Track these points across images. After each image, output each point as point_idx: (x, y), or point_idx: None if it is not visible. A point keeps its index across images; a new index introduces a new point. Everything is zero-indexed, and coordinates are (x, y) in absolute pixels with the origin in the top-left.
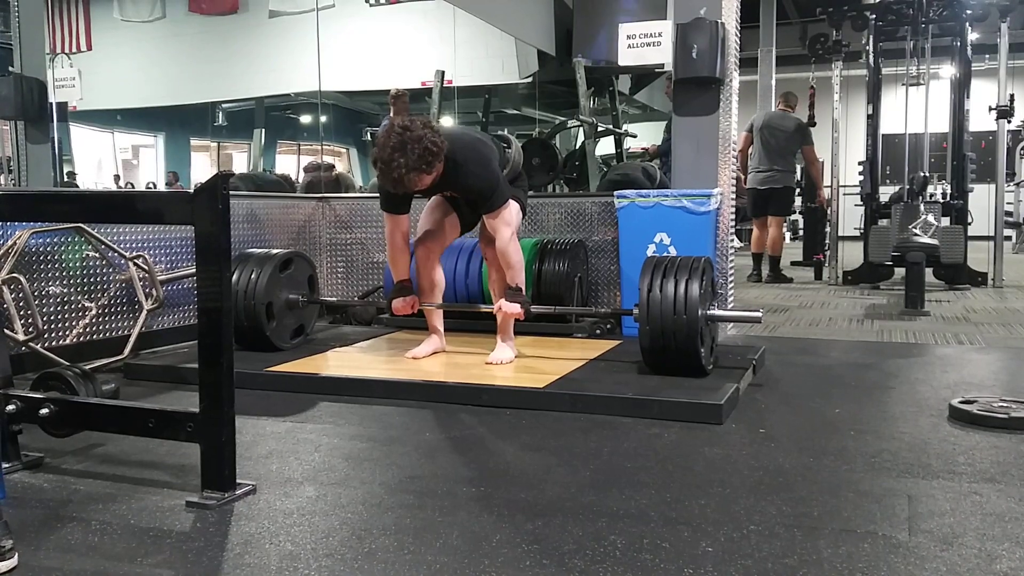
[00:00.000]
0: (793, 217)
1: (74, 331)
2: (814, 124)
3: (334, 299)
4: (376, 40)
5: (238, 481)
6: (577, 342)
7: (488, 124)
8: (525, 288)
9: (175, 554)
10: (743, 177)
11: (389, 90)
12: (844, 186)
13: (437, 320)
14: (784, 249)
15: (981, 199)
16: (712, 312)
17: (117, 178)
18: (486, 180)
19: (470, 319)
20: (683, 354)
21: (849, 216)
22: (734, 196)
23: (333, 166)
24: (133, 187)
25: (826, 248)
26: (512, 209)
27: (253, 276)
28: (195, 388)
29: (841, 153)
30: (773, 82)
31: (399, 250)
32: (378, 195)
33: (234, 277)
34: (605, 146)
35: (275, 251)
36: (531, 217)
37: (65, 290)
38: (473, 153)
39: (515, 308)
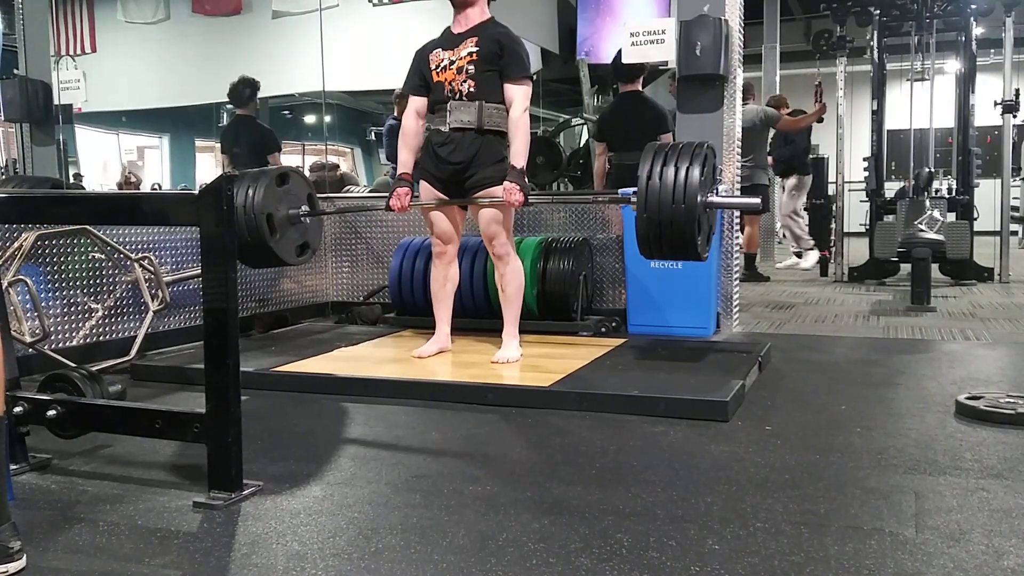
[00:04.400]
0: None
1: (80, 332)
2: (820, 120)
3: (334, 210)
4: (380, 40)
5: (245, 481)
6: (582, 340)
7: None
8: (528, 286)
9: (182, 554)
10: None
11: (393, 90)
12: (849, 182)
13: (445, 316)
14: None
15: (987, 194)
16: (711, 199)
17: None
18: (518, 43)
19: (474, 318)
20: (680, 240)
21: (854, 212)
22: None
23: (337, 166)
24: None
25: (831, 244)
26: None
27: (250, 191)
28: (201, 389)
29: (846, 149)
30: (777, 78)
31: (411, 135)
32: (383, 192)
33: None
34: None
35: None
36: (535, 215)
37: (71, 292)
38: (513, 33)
39: (515, 187)
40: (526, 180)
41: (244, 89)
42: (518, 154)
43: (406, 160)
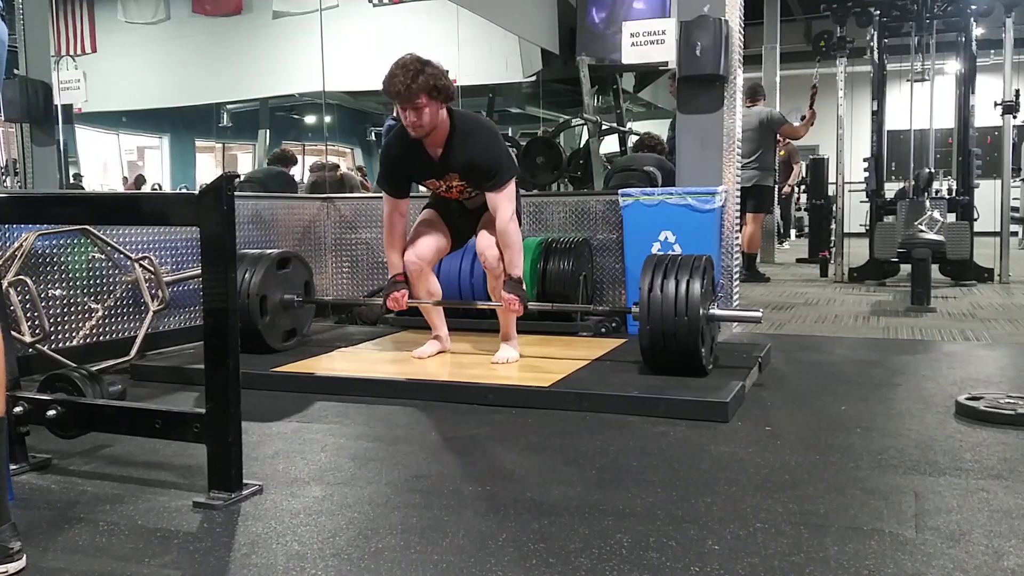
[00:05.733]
0: (799, 214)
1: (80, 333)
2: (803, 118)
3: (330, 298)
4: (380, 40)
5: (245, 481)
6: (582, 341)
7: None
8: (528, 286)
9: (182, 554)
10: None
11: None
12: (849, 183)
13: (439, 321)
14: (761, 244)
15: (987, 195)
16: (713, 312)
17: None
18: (493, 153)
19: (474, 318)
20: (683, 354)
21: (854, 213)
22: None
23: (337, 166)
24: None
25: (831, 245)
26: (515, 191)
27: (248, 273)
28: (201, 389)
29: (846, 150)
30: (777, 79)
31: (397, 237)
32: (382, 195)
33: None
34: (609, 144)
35: (271, 251)
36: (535, 216)
37: (71, 292)
38: (481, 128)
39: (515, 299)
40: (523, 287)
41: (288, 156)
42: (512, 264)
43: (396, 262)
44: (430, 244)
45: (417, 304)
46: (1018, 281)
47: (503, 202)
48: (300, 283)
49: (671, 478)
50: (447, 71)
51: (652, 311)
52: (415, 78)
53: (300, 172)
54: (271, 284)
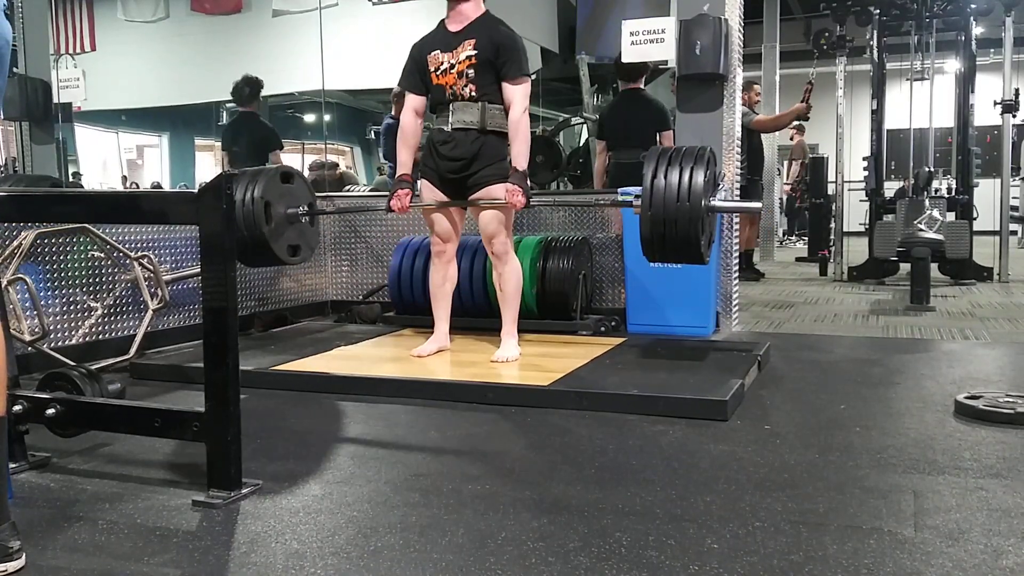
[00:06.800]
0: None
1: (80, 331)
2: (805, 118)
3: (333, 210)
4: (380, 38)
5: (244, 480)
6: (582, 339)
7: None
8: (527, 285)
9: (181, 553)
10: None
11: (392, 88)
12: (849, 181)
13: (444, 315)
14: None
15: (986, 194)
16: (713, 203)
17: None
18: (516, 42)
19: (473, 317)
20: (683, 242)
21: (854, 212)
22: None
23: (337, 164)
24: (138, 187)
25: (831, 244)
26: (528, 91)
27: (250, 183)
28: (201, 387)
29: (845, 149)
30: (777, 78)
31: (409, 135)
32: (382, 192)
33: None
34: None
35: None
36: (535, 214)
37: (71, 290)
38: (510, 29)
39: (518, 190)
40: (528, 182)
41: (245, 87)
42: (519, 156)
43: (405, 160)
44: (446, 225)
45: (420, 207)
46: (1017, 280)
47: (518, 96)
48: (304, 202)
49: (670, 477)
50: None
51: (655, 198)
52: None
53: (297, 162)
54: (274, 193)
